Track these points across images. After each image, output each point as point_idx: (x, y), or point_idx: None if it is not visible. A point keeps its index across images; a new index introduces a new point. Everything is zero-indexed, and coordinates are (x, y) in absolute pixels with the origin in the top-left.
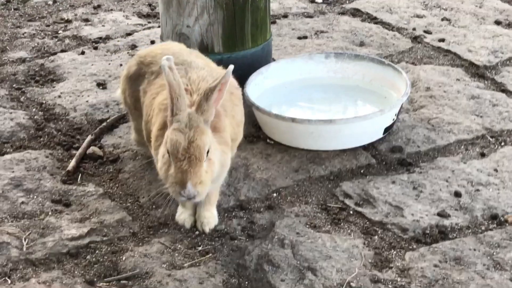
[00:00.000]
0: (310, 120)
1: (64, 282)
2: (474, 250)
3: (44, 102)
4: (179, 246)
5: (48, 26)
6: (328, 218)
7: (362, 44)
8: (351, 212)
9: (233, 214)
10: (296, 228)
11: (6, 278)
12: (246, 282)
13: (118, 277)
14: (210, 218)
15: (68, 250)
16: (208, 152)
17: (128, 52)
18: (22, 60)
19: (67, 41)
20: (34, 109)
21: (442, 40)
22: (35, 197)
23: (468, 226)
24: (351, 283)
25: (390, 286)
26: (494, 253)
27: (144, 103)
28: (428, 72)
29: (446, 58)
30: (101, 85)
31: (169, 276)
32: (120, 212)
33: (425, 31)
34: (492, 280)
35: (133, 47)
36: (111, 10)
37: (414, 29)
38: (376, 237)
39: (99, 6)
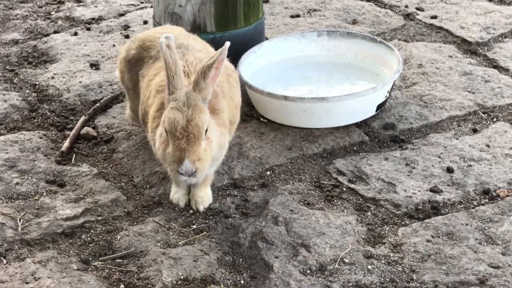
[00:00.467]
0: (303, 98)
1: (59, 261)
2: (466, 225)
3: (37, 83)
4: (174, 224)
5: (40, 7)
6: (321, 195)
7: (354, 22)
8: (344, 189)
9: (227, 192)
10: (290, 205)
11: (2, 258)
12: (241, 259)
13: (113, 256)
14: (204, 197)
15: (63, 230)
16: (206, 131)
17: (121, 33)
18: (15, 42)
19: (59, 22)
20: (27, 91)
21: (435, 17)
22: (29, 178)
23: (461, 201)
24: (345, 259)
25: (383, 261)
26: (486, 228)
27: (141, 86)
28: (421, 49)
29: (439, 35)
30: (94, 65)
31: (164, 255)
32: (114, 192)
33: (417, 8)
34: (484, 254)
35: (126, 27)
36: None
37: (406, 6)
38: (369, 213)
39: None
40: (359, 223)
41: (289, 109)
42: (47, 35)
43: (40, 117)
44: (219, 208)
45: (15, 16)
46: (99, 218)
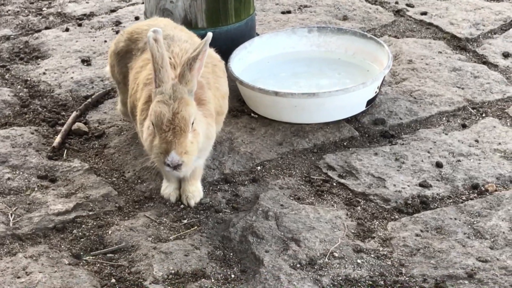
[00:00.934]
0: (293, 94)
1: (50, 256)
2: (455, 219)
3: (29, 79)
4: (165, 219)
5: (32, 3)
6: (311, 190)
7: (345, 18)
8: (334, 184)
9: (218, 187)
10: (280, 200)
11: None
12: (231, 254)
13: (104, 250)
14: (195, 192)
15: (54, 225)
16: (193, 123)
17: (112, 29)
18: (7, 38)
19: (51, 18)
20: (19, 86)
21: (424, 13)
22: (21, 173)
23: (449, 196)
24: (334, 253)
25: (372, 255)
26: (475, 222)
27: (130, 79)
28: (410, 45)
29: (428, 31)
30: (86, 61)
31: (155, 249)
32: (105, 187)
33: (407, 5)
34: (473, 248)
35: (117, 23)
36: None
37: (396, 2)
38: (358, 208)
39: None
40: (349, 217)
41: (279, 105)
42: (39, 31)
43: (31, 113)
44: (210, 203)
45: (7, 12)
46: (90, 213)
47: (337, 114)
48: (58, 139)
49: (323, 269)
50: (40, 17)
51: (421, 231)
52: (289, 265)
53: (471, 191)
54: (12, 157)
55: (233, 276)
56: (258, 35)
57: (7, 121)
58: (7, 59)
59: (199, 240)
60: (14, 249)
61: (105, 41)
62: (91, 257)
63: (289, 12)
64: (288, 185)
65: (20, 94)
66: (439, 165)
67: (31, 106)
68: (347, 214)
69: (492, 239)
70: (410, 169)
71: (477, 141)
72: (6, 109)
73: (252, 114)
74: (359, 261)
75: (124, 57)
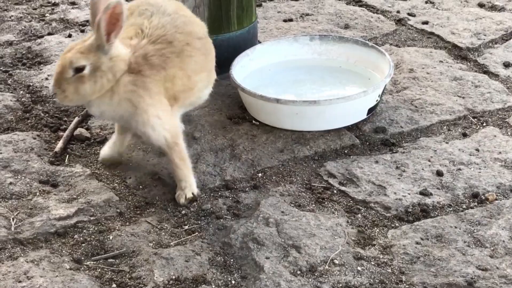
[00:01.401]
0: (294, 101)
1: (52, 261)
2: (455, 227)
3: (31, 84)
4: (166, 225)
5: (35, 9)
6: (312, 197)
7: (347, 26)
8: (335, 191)
9: (219, 193)
10: (281, 207)
11: None
12: (232, 260)
13: (105, 255)
14: (186, 189)
15: (56, 230)
16: (80, 70)
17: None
18: (9, 43)
19: (54, 24)
20: (21, 92)
21: (426, 22)
22: (23, 178)
23: (450, 204)
24: (335, 260)
25: (372, 263)
26: (475, 231)
27: None
28: (412, 54)
29: (430, 40)
30: None
31: (156, 255)
32: (107, 193)
33: (409, 14)
34: (473, 257)
35: None
36: None
37: (398, 11)
38: (359, 215)
39: None
40: (350, 225)
41: (281, 112)
42: (41, 36)
43: (34, 118)
44: (211, 209)
45: (10, 17)
46: (91, 218)
47: (338, 122)
48: (60, 144)
49: (324, 276)
50: (43, 23)
51: (422, 239)
52: (289, 271)
53: (471, 200)
54: (14, 162)
55: (233, 282)
56: (260, 42)
57: (9, 126)
58: (9, 64)
59: (200, 246)
60: (15, 254)
61: None
62: (92, 262)
63: (291, 20)
64: (289, 192)
65: (23, 99)
66: (439, 173)
67: (34, 112)
68: (347, 222)
69: (492, 248)
70: (410, 177)
71: (477, 150)
72: (9, 114)
73: (254, 121)
74: (359, 268)
75: None
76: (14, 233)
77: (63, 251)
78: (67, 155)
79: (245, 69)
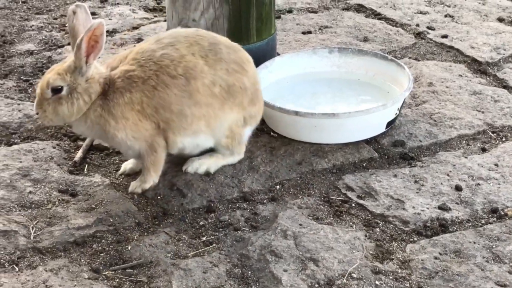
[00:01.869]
0: (313, 114)
1: (70, 270)
2: (474, 243)
3: None
4: (184, 236)
5: (55, 19)
6: (330, 210)
7: (365, 39)
8: (353, 204)
9: (237, 205)
10: (299, 219)
11: (14, 265)
12: (249, 272)
13: (124, 265)
14: (139, 181)
15: (74, 239)
16: (57, 91)
17: (134, 45)
18: (30, 53)
19: None
20: None
21: (445, 36)
22: (42, 187)
23: (469, 219)
24: (353, 274)
25: (391, 277)
26: (494, 246)
27: None
28: (431, 67)
29: (449, 54)
30: None
31: (174, 266)
32: (125, 203)
33: (428, 27)
34: (491, 272)
35: (139, 40)
36: (118, 3)
37: (417, 25)
38: (377, 229)
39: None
40: (368, 238)
41: (299, 124)
42: (62, 46)
43: (53, 127)
44: (229, 220)
45: (31, 27)
46: (110, 228)
47: (356, 135)
48: (79, 154)
49: None
50: (63, 32)
51: (440, 254)
52: (307, 284)
53: (490, 215)
54: (34, 170)
55: None
56: (278, 54)
57: (29, 135)
58: (30, 73)
59: (218, 258)
60: (34, 262)
61: None
62: (110, 272)
63: (309, 32)
64: (307, 205)
65: None
66: (458, 188)
67: None
68: (365, 235)
69: (511, 264)
70: (429, 192)
71: (496, 165)
72: (29, 123)
73: (272, 133)
74: (377, 282)
75: None
76: (33, 242)
77: (82, 261)
78: (86, 165)
79: (264, 81)
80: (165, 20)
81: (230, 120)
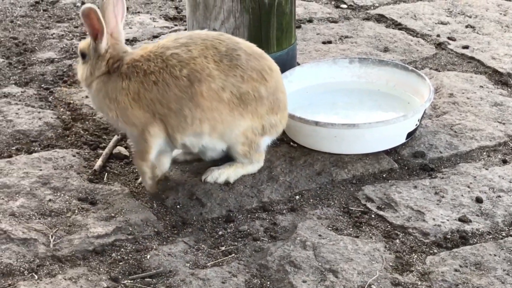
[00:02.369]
0: (333, 124)
1: (89, 279)
2: (495, 255)
3: (71, 102)
4: (203, 245)
5: (76, 27)
6: (350, 221)
7: (386, 50)
8: (372, 215)
9: (256, 215)
10: (318, 230)
11: (33, 274)
12: (268, 283)
13: (143, 275)
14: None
15: (94, 248)
16: (82, 56)
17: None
18: (51, 61)
19: None
20: (62, 109)
21: (466, 47)
22: (62, 195)
23: (489, 231)
24: (372, 286)
25: None
26: None
27: None
28: (452, 78)
29: (470, 65)
30: None
31: (193, 275)
32: (145, 212)
33: (449, 38)
34: None
35: None
36: (138, 12)
37: (438, 35)
38: (397, 240)
39: (126, 8)
40: (387, 250)
41: (319, 135)
42: None
43: (73, 136)
44: (248, 230)
45: (51, 35)
46: (129, 237)
47: (376, 145)
48: (99, 162)
49: None
50: None
51: (460, 266)
52: None
53: (511, 228)
54: (53, 179)
55: None
56: (299, 64)
57: (49, 143)
58: (50, 82)
59: (237, 268)
60: (53, 271)
61: None
62: (129, 281)
63: (330, 42)
64: (326, 216)
65: (63, 116)
66: (479, 200)
67: (73, 129)
68: (385, 247)
69: None
70: (449, 203)
71: None
72: (49, 131)
73: (292, 143)
74: None
75: None
76: (53, 250)
77: (101, 269)
78: (106, 173)
79: None
80: (185, 29)
81: (243, 127)
